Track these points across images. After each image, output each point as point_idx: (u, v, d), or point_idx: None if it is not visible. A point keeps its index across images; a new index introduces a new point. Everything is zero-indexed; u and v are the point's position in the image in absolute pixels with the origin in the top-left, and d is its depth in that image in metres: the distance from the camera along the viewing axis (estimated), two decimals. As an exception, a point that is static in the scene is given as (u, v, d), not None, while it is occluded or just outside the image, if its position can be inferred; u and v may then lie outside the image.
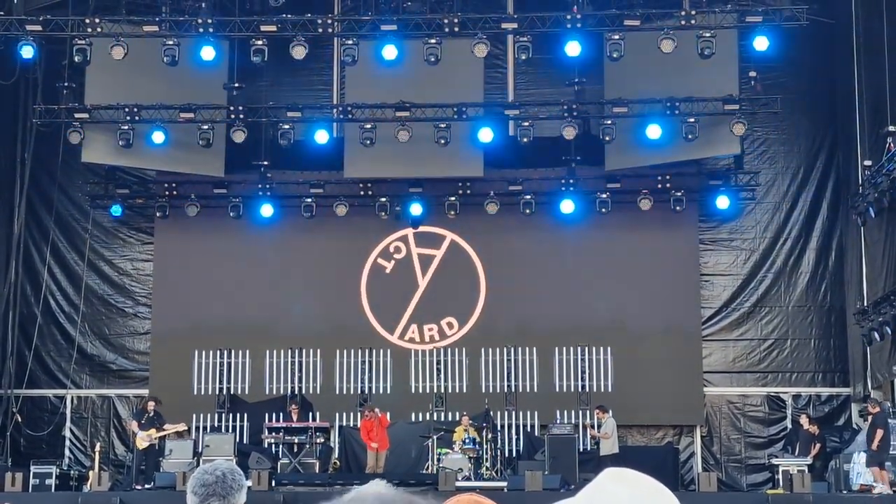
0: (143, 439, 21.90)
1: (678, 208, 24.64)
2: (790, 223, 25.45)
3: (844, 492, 20.24)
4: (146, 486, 21.28)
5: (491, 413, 23.32)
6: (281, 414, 23.79)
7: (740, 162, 25.25)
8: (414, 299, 25.47)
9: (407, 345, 25.14)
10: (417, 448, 23.38)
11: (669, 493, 2.39)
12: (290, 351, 24.70)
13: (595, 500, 2.35)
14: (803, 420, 22.58)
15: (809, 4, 22.00)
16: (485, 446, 22.38)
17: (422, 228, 25.46)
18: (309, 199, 24.91)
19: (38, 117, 23.72)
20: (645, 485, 2.37)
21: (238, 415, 24.64)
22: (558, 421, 23.38)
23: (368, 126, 23.46)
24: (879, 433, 19.74)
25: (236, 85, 24.19)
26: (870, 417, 20.75)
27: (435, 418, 23.38)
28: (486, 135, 23.60)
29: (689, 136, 22.86)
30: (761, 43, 21.96)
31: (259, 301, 25.38)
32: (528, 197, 24.60)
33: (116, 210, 25.74)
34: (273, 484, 20.69)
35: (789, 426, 24.33)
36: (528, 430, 24.32)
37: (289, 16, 22.32)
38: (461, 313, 25.34)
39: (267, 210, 25.14)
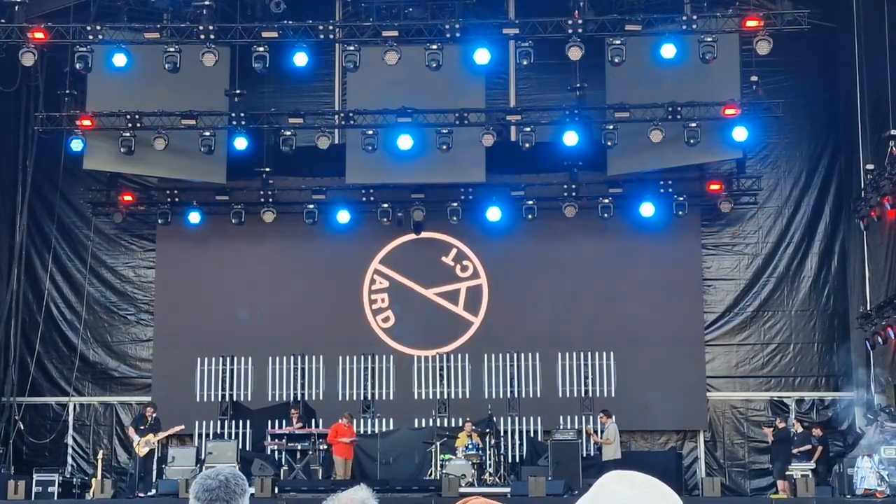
0: (142, 445, 21.88)
1: (680, 213, 24.61)
2: (793, 227, 25.41)
3: (848, 496, 20.19)
4: (147, 493, 21.25)
5: (494, 419, 23.31)
6: (283, 420, 23.78)
7: (742, 166, 25.21)
8: (407, 286, 25.43)
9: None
10: (420, 454, 23.35)
11: (673, 494, 2.37)
12: (292, 357, 24.66)
13: (599, 500, 2.34)
14: (797, 426, 22.63)
15: (811, 8, 22.01)
16: (488, 452, 22.39)
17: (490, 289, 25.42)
18: (311, 206, 24.90)
19: (39, 125, 23.72)
20: (649, 485, 2.35)
21: (241, 422, 24.61)
22: (561, 426, 23.36)
23: (370, 132, 23.44)
24: None
25: (238, 91, 24.16)
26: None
27: (438, 424, 23.34)
28: (488, 140, 23.59)
29: (692, 141, 22.84)
30: (763, 47, 21.94)
31: (261, 307, 25.37)
32: (531, 202, 24.60)
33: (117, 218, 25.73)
34: (276, 491, 20.67)
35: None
36: (532, 435, 24.29)
37: (290, 22, 22.32)
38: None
39: (269, 216, 25.12)
